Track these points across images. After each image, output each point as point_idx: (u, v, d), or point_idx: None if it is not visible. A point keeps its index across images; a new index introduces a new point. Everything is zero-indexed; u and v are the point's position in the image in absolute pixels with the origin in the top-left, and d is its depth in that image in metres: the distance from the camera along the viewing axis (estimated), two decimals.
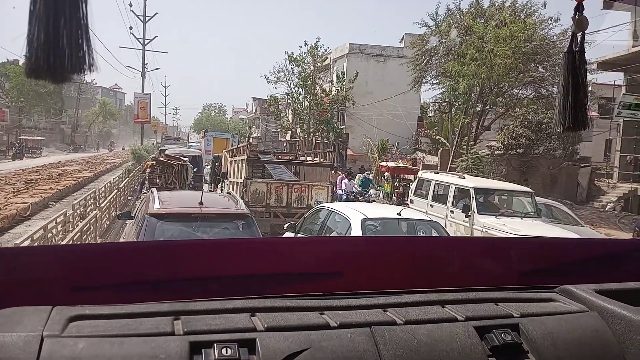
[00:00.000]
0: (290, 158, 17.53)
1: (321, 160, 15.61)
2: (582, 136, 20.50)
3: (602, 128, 23.27)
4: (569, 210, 12.82)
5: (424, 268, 1.37)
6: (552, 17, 18.89)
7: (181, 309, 0.96)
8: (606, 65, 19.47)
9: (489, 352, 0.97)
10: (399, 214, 6.48)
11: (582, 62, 1.37)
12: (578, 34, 1.35)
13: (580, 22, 1.31)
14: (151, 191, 7.09)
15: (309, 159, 16.53)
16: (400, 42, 33.94)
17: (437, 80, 21.87)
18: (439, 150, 23.76)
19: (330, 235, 6.57)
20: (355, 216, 6.30)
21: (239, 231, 5.71)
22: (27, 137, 47.31)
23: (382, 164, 22.57)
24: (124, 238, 7.18)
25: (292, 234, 7.40)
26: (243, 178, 11.73)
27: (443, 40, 20.12)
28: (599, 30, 16.58)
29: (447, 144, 22.02)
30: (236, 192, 11.96)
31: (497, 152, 21.57)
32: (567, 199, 18.04)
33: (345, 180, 16.85)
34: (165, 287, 1.14)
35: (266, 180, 11.82)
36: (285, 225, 7.98)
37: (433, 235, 6.69)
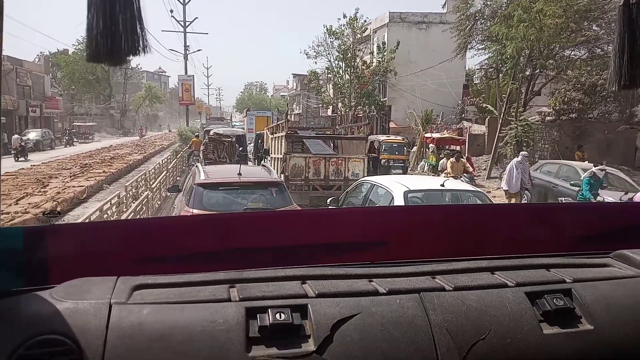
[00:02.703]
0: (328, 133, 17.57)
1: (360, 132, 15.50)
2: None
3: None
4: (626, 176, 12.20)
5: (473, 236, 1.36)
6: None
7: (236, 277, 1.01)
8: None
9: (541, 317, 0.97)
10: (442, 185, 6.38)
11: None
12: None
13: None
14: (196, 166, 7.91)
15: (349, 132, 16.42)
16: (442, 7, 32.72)
17: (483, 45, 20.95)
18: (487, 119, 22.98)
19: None
20: (397, 189, 6.24)
21: (272, 196, 6.59)
22: (79, 124, 49.56)
23: (426, 135, 22.08)
24: (174, 207, 7.98)
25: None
26: (282, 153, 12.02)
27: (488, 3, 19.23)
28: None
29: (494, 111, 21.24)
30: (276, 167, 12.28)
31: (548, 118, 20.62)
32: (624, 165, 17.06)
33: None
34: (219, 258, 1.19)
35: (304, 155, 12.16)
36: (328, 200, 8.07)
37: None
